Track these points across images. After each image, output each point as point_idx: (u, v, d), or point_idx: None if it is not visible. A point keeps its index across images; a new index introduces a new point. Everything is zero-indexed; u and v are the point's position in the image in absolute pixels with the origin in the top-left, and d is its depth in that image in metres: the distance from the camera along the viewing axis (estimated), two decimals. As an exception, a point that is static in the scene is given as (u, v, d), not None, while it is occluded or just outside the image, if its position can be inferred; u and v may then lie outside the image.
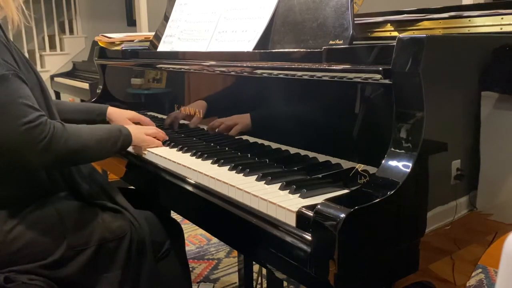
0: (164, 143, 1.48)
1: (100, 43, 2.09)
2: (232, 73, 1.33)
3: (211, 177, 1.13)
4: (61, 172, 1.25)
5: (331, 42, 1.12)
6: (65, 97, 5.34)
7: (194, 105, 1.52)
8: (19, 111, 1.05)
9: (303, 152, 1.17)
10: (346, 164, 1.06)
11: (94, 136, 1.22)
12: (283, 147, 1.22)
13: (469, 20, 1.20)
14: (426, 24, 1.30)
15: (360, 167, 1.00)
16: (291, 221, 0.89)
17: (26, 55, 1.20)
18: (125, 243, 1.23)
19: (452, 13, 1.26)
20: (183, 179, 1.23)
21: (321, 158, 1.12)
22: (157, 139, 1.45)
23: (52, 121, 1.11)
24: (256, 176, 1.08)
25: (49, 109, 1.22)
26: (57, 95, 5.17)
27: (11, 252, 1.12)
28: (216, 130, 1.42)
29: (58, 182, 1.24)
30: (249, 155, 1.28)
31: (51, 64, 5.95)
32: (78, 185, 1.26)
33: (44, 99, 1.21)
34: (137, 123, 1.58)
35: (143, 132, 1.42)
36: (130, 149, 1.50)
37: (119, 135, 1.29)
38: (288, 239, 0.87)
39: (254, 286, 1.88)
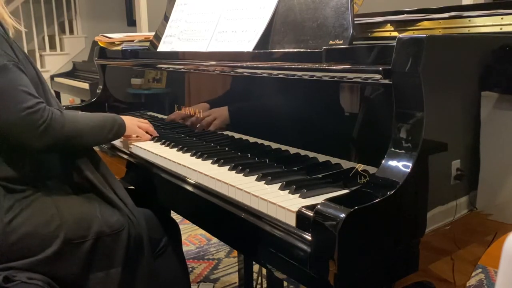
0: (164, 143, 1.48)
1: (100, 43, 2.09)
2: (232, 73, 1.33)
3: (211, 177, 1.13)
4: (65, 158, 1.27)
5: (331, 42, 1.12)
6: (65, 97, 5.35)
7: (194, 105, 1.52)
8: (20, 98, 1.13)
9: (303, 152, 1.17)
10: (346, 164, 1.06)
11: (89, 123, 1.29)
12: (283, 147, 1.22)
13: (469, 20, 1.20)
14: (426, 24, 1.30)
15: (360, 167, 1.00)
16: (291, 221, 0.89)
17: (26, 54, 1.27)
18: (123, 238, 1.23)
19: (452, 13, 1.26)
20: (183, 179, 1.23)
21: (321, 158, 1.12)
22: (148, 133, 1.54)
23: (50, 108, 1.18)
24: (256, 176, 1.08)
25: (47, 99, 1.26)
26: (57, 95, 5.17)
27: (10, 244, 1.14)
28: (201, 124, 1.45)
29: (61, 166, 1.27)
30: (249, 155, 1.28)
31: (51, 64, 5.95)
32: (81, 171, 1.28)
33: (42, 90, 1.26)
34: None
35: (136, 124, 1.51)
36: (119, 144, 1.53)
37: (114, 123, 1.37)
38: (288, 239, 0.87)
39: (254, 286, 1.88)
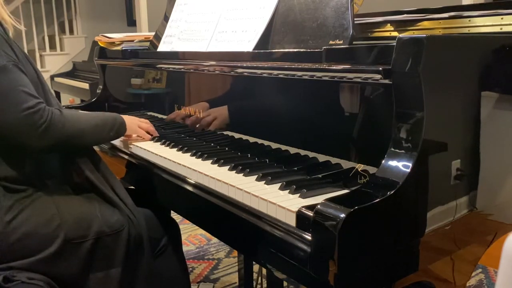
0: (164, 143, 1.48)
1: (100, 43, 2.09)
2: (232, 73, 1.33)
3: (211, 177, 1.13)
4: (66, 158, 1.27)
5: (331, 42, 1.12)
6: (65, 97, 5.34)
7: (194, 105, 1.52)
8: (20, 98, 1.13)
9: (303, 152, 1.17)
10: (346, 164, 1.06)
11: (90, 122, 1.29)
12: (283, 147, 1.22)
13: (469, 20, 1.20)
14: (426, 24, 1.30)
15: (360, 167, 1.00)
16: (291, 221, 0.89)
17: (26, 55, 1.28)
18: (123, 238, 1.23)
19: (452, 13, 1.26)
20: (183, 179, 1.23)
21: (321, 158, 1.12)
22: (149, 133, 1.55)
23: (50, 108, 1.18)
24: (256, 176, 1.08)
25: (47, 99, 1.26)
26: (57, 95, 5.17)
27: (10, 244, 1.14)
28: (201, 123, 1.45)
29: (61, 166, 1.27)
30: (249, 155, 1.28)
31: (51, 64, 5.95)
32: (81, 171, 1.28)
33: (42, 90, 1.26)
34: None
35: (136, 124, 1.51)
36: (119, 144, 1.53)
37: (114, 123, 1.37)
38: (288, 239, 0.87)
39: (254, 286, 1.88)
